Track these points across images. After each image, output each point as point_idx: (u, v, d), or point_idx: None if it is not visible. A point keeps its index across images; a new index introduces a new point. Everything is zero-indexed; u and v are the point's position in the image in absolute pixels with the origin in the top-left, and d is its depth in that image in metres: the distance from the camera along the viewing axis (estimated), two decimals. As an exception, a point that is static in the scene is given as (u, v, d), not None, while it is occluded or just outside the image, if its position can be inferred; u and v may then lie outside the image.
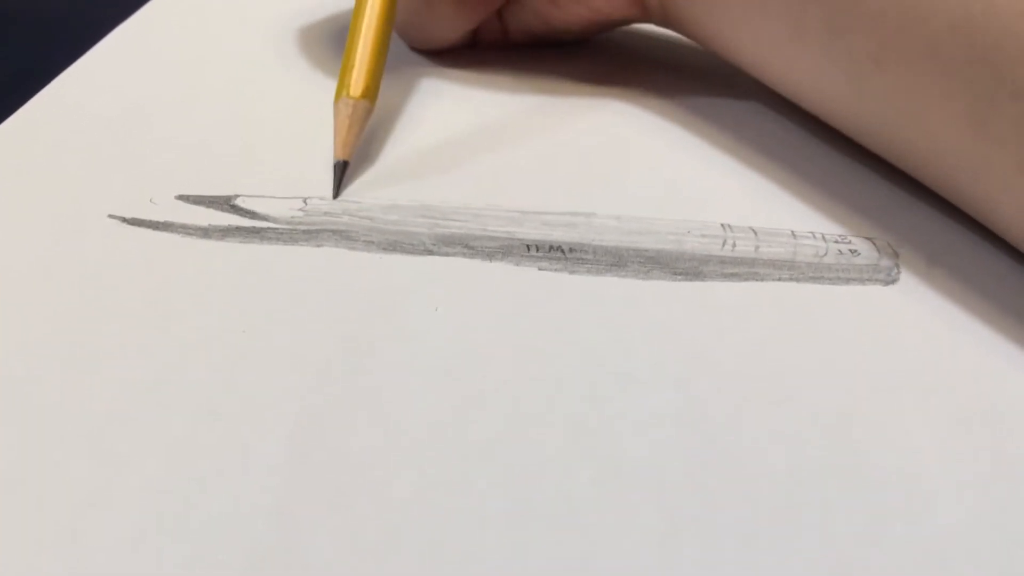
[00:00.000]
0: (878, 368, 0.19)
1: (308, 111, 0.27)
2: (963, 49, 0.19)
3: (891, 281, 0.21)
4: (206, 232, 0.21)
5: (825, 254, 0.22)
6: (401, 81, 0.29)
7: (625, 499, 0.15)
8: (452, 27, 0.30)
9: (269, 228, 0.21)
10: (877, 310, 0.20)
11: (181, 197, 0.22)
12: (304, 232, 0.21)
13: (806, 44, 0.23)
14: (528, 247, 0.21)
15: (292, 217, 0.22)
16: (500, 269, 0.21)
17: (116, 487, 0.15)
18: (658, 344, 0.19)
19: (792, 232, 0.23)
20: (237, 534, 0.14)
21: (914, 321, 0.20)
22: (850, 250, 0.22)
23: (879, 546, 0.15)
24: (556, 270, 0.21)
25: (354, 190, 0.23)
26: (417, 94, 0.29)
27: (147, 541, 0.14)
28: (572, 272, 0.21)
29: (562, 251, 0.21)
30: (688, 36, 0.29)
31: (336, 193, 0.23)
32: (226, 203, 0.22)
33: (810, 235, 0.22)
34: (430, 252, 0.21)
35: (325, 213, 0.22)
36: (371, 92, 0.25)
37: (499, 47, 0.32)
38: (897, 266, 0.22)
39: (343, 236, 0.21)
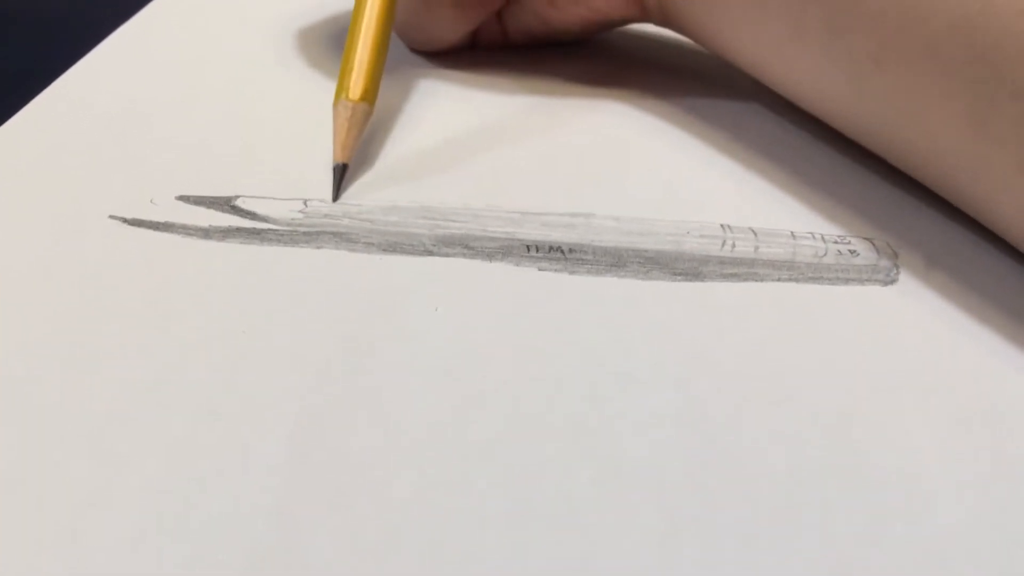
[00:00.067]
0: (878, 368, 0.19)
1: (308, 112, 0.27)
2: (963, 49, 0.19)
3: (890, 281, 0.21)
4: (206, 233, 0.21)
5: (824, 254, 0.22)
6: (400, 82, 0.29)
7: (625, 499, 0.15)
8: (451, 28, 0.30)
9: (269, 229, 0.22)
10: (876, 310, 0.20)
11: (181, 198, 0.22)
12: (304, 234, 0.21)
13: (806, 44, 0.23)
14: (528, 248, 0.21)
15: (292, 219, 0.22)
16: (500, 270, 0.21)
17: (116, 487, 0.15)
18: (658, 344, 0.19)
19: (791, 233, 0.23)
20: (237, 534, 0.14)
21: (913, 321, 0.20)
22: (849, 250, 0.22)
23: (879, 546, 0.15)
24: (556, 270, 0.21)
25: (354, 192, 0.23)
26: (416, 95, 0.29)
27: (147, 541, 0.14)
28: (572, 272, 0.21)
29: (562, 252, 0.21)
30: (687, 36, 0.29)
31: (336, 196, 0.23)
32: (226, 204, 0.22)
33: (809, 235, 0.22)
34: (430, 253, 0.21)
35: (325, 215, 0.22)
36: (370, 94, 0.25)
37: (498, 48, 0.32)
38: (896, 266, 0.22)
39: (343, 238, 0.21)
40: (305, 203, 0.22)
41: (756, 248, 0.22)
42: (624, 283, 0.21)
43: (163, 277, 0.20)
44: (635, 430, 0.17)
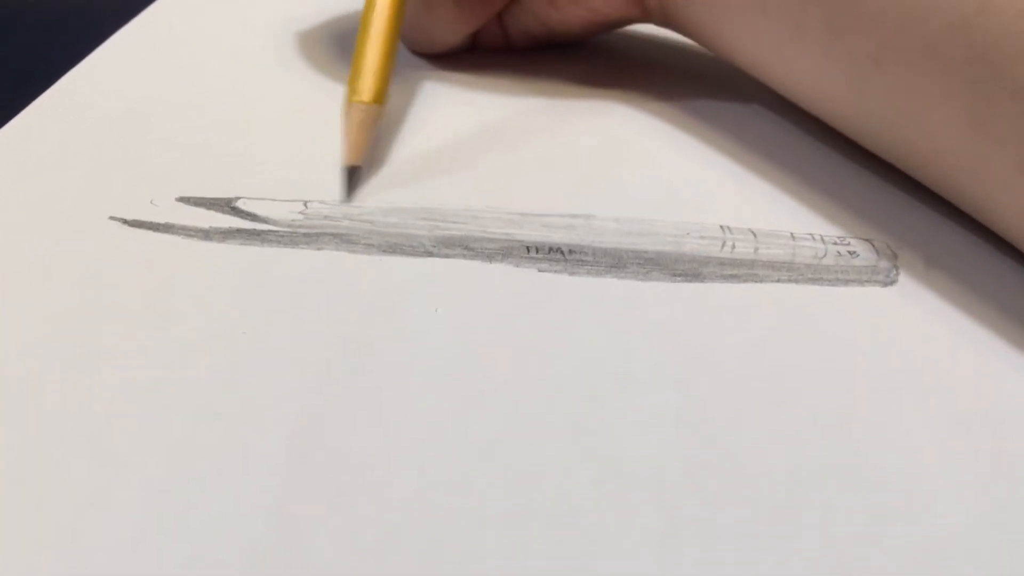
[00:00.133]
0: (878, 368, 0.19)
1: (309, 113, 0.27)
2: (962, 48, 0.19)
3: (890, 282, 0.21)
4: (207, 234, 0.21)
5: (824, 256, 0.22)
6: (401, 84, 0.29)
7: (625, 499, 0.15)
8: (452, 30, 0.30)
9: (270, 231, 0.22)
10: (876, 311, 0.20)
11: (182, 199, 0.22)
12: (304, 235, 0.21)
13: (806, 44, 0.23)
14: (528, 249, 0.21)
15: (293, 220, 0.22)
16: (500, 270, 0.21)
17: (116, 487, 0.15)
18: (658, 345, 0.19)
19: (791, 234, 0.23)
20: (237, 534, 0.14)
21: (913, 322, 0.20)
22: (849, 251, 0.22)
23: (879, 546, 0.15)
24: (556, 271, 0.21)
25: (355, 193, 0.23)
26: (417, 97, 0.29)
27: (147, 541, 0.14)
28: (572, 274, 0.21)
29: (562, 253, 0.21)
30: (688, 36, 0.29)
31: (347, 198, 0.23)
32: (227, 205, 0.22)
33: (809, 237, 0.22)
34: (430, 254, 0.21)
35: (325, 216, 0.22)
36: (381, 96, 0.25)
37: (499, 50, 0.32)
38: (896, 267, 0.22)
39: (343, 239, 0.21)
40: (305, 204, 0.22)
41: (756, 249, 0.22)
42: (624, 284, 0.21)
43: (163, 278, 0.20)
44: (635, 430, 0.17)
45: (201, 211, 0.22)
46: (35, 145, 0.25)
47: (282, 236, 0.21)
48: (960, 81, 0.20)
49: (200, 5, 0.35)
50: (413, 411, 0.17)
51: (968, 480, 0.16)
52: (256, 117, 0.27)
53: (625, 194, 0.24)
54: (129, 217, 0.22)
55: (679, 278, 0.21)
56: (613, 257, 0.21)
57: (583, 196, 0.24)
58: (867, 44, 0.21)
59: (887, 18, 0.21)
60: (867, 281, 0.21)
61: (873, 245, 0.22)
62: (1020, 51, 0.19)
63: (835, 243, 0.22)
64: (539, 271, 0.21)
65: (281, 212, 0.22)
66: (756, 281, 0.21)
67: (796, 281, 0.21)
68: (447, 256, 0.21)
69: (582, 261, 0.21)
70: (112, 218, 0.22)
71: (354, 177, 0.23)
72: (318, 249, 0.21)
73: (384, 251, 0.21)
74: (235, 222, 0.22)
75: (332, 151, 0.25)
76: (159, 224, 0.22)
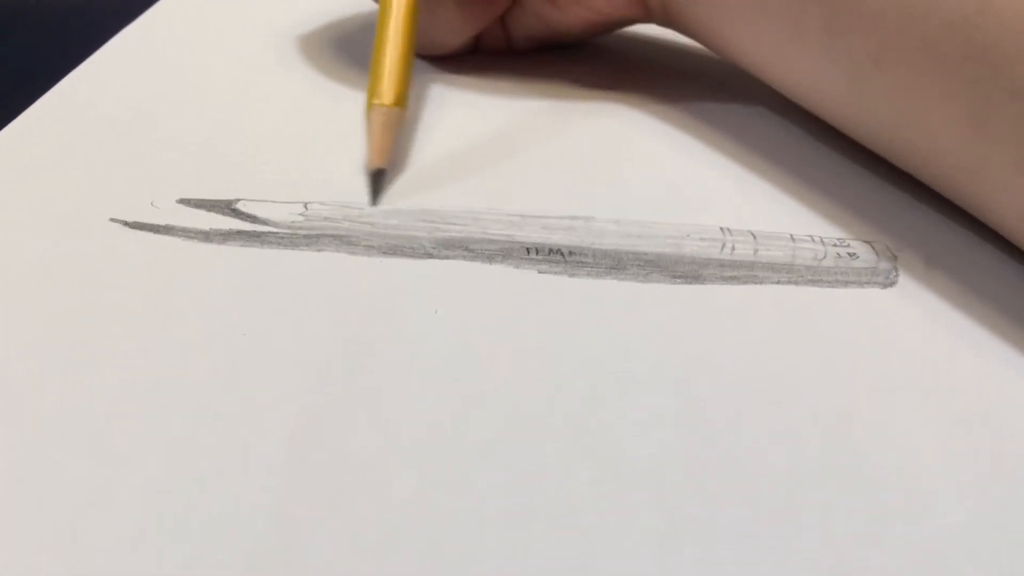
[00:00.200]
0: (878, 369, 0.19)
1: (310, 115, 0.27)
2: (962, 48, 0.19)
3: (889, 284, 0.21)
4: (207, 236, 0.21)
5: (824, 257, 0.22)
6: (402, 86, 0.29)
7: (625, 499, 0.15)
8: (455, 33, 0.30)
9: (270, 232, 0.22)
10: (876, 312, 0.20)
11: (182, 201, 0.22)
12: (304, 236, 0.21)
13: (806, 44, 0.23)
14: (528, 250, 0.21)
15: (293, 222, 0.22)
16: (500, 272, 0.21)
17: (116, 487, 0.15)
18: (658, 346, 0.19)
19: (791, 235, 0.23)
20: (237, 534, 0.14)
21: (913, 323, 0.20)
22: (848, 253, 0.22)
23: (879, 546, 0.15)
24: (556, 273, 0.21)
25: (354, 195, 0.23)
26: (419, 99, 0.29)
27: (147, 541, 0.14)
28: (572, 275, 0.21)
29: (562, 254, 0.21)
30: (689, 36, 0.29)
31: (374, 200, 0.23)
32: (227, 207, 0.22)
33: (809, 238, 0.23)
34: (430, 255, 0.21)
35: (325, 218, 0.22)
36: (402, 99, 0.25)
37: (501, 52, 0.32)
38: (895, 269, 0.22)
39: (343, 241, 0.21)
40: (306, 206, 0.23)
41: (756, 251, 0.22)
42: (624, 285, 0.21)
43: (164, 279, 0.20)
44: (635, 431, 0.17)
45: (201, 213, 0.22)
46: (36, 146, 0.25)
47: (282, 238, 0.21)
48: (960, 81, 0.20)
49: (201, 7, 0.35)
50: (413, 411, 0.17)
51: (968, 480, 0.16)
52: (257, 118, 0.27)
53: (625, 195, 0.24)
54: (129, 219, 0.22)
55: (679, 280, 0.21)
56: (613, 259, 0.21)
57: (583, 197, 0.24)
58: (867, 44, 0.22)
59: (887, 18, 0.21)
60: (867, 283, 0.21)
61: (873, 247, 0.22)
62: (1020, 51, 0.19)
63: (835, 245, 0.22)
64: (539, 272, 0.21)
65: (281, 214, 0.22)
66: (756, 283, 0.21)
67: (796, 283, 0.21)
68: (447, 257, 0.21)
69: (582, 263, 0.21)
70: (113, 220, 0.22)
71: (380, 180, 0.24)
72: (318, 251, 0.21)
73: (384, 253, 0.21)
74: (235, 224, 0.22)
75: (333, 152, 0.25)
76: (159, 226, 0.22)
